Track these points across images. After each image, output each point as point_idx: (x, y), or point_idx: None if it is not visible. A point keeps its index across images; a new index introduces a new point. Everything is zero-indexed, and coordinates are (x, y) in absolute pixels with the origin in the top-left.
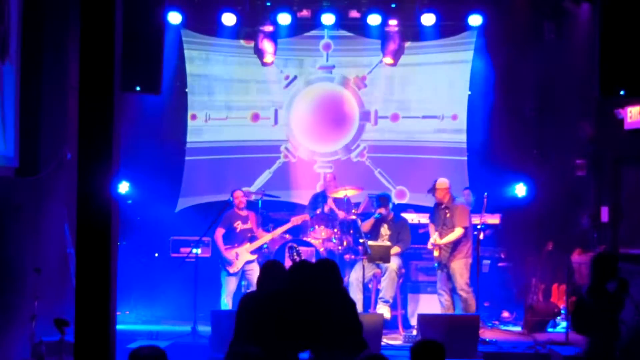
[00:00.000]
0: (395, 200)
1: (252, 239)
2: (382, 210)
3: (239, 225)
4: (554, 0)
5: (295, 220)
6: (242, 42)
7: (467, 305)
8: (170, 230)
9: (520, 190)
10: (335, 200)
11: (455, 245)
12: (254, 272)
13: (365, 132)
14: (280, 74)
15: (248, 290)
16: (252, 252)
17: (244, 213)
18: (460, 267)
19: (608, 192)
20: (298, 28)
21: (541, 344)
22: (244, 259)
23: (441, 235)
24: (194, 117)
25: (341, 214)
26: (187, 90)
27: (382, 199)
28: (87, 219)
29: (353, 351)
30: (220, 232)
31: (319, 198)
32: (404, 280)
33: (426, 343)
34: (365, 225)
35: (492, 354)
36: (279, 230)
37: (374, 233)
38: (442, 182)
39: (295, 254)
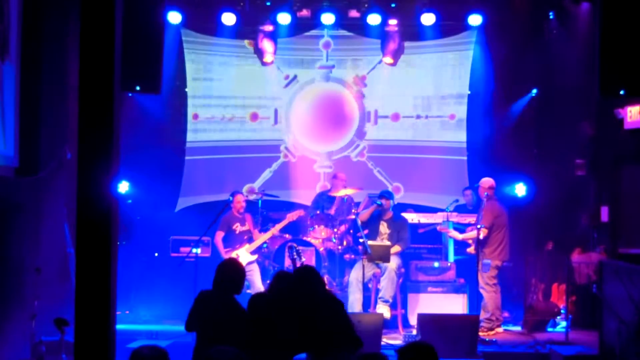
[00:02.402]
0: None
1: (251, 239)
2: (384, 201)
3: (237, 228)
4: (554, 0)
5: (291, 217)
6: (242, 41)
7: (485, 304)
8: (170, 230)
9: (520, 190)
10: (335, 200)
11: (480, 243)
12: (255, 272)
13: (365, 132)
14: (280, 74)
15: (247, 290)
16: (252, 253)
17: (241, 215)
18: (482, 266)
19: (608, 192)
20: (298, 28)
21: (541, 343)
22: (244, 260)
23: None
24: (194, 116)
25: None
26: (187, 90)
27: (386, 193)
28: (87, 219)
29: (349, 349)
30: (219, 235)
31: (324, 197)
32: (403, 280)
33: (415, 345)
34: (364, 215)
35: (492, 354)
36: (277, 228)
37: (373, 231)
38: (483, 180)
39: (295, 253)
